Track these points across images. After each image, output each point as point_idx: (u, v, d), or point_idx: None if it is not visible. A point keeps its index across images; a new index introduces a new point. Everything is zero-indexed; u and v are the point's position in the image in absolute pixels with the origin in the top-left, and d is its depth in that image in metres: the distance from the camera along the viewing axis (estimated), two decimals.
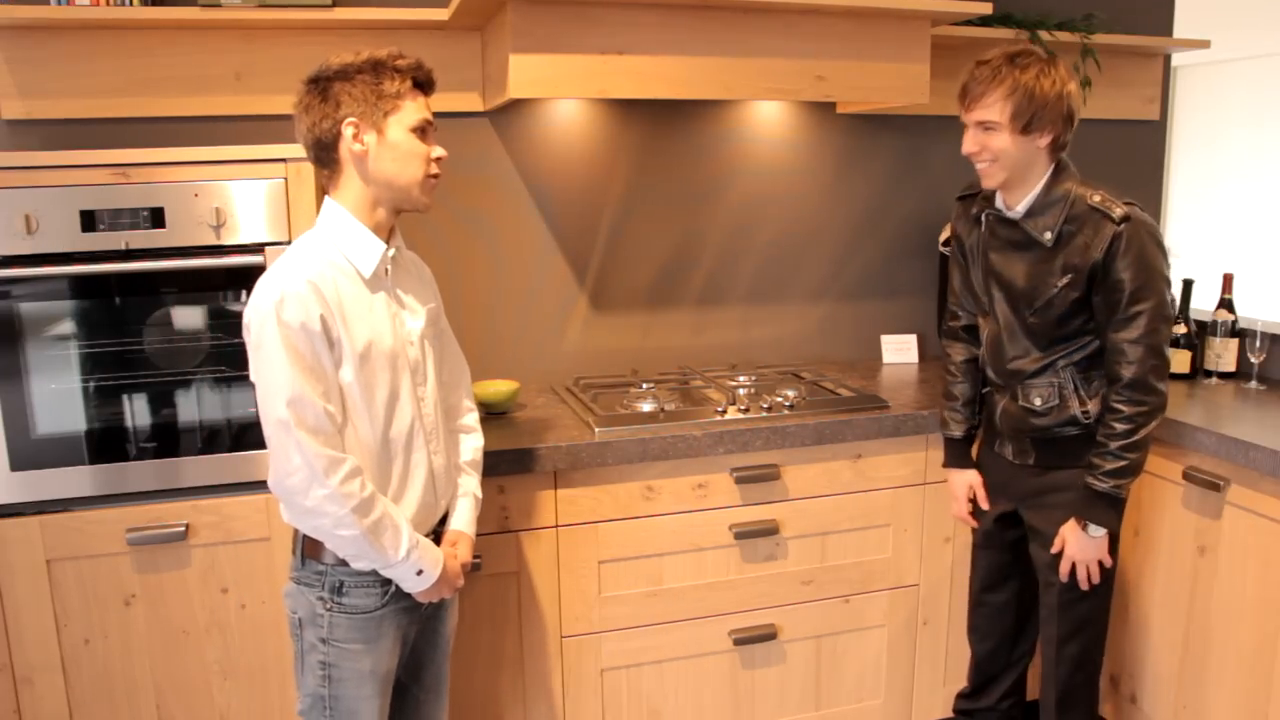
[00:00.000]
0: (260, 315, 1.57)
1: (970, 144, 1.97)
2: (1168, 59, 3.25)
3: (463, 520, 1.86)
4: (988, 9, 2.43)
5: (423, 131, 1.67)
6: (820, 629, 2.44)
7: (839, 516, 2.40)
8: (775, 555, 2.37)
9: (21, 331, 1.97)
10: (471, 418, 1.95)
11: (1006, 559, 2.26)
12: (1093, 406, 2.02)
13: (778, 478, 2.33)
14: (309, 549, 1.68)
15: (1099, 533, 2.01)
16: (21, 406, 1.98)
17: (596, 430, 2.23)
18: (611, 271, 2.79)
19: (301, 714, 1.73)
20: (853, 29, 2.38)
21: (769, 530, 2.33)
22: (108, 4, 2.22)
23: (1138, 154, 3.26)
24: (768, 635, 2.39)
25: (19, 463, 2.00)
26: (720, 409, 2.35)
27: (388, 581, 1.69)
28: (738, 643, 2.37)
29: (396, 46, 1.67)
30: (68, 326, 2.00)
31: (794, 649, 2.44)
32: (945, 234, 2.93)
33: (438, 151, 1.69)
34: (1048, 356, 2.03)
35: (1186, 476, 2.26)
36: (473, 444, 1.93)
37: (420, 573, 1.67)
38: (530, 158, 2.68)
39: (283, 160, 2.03)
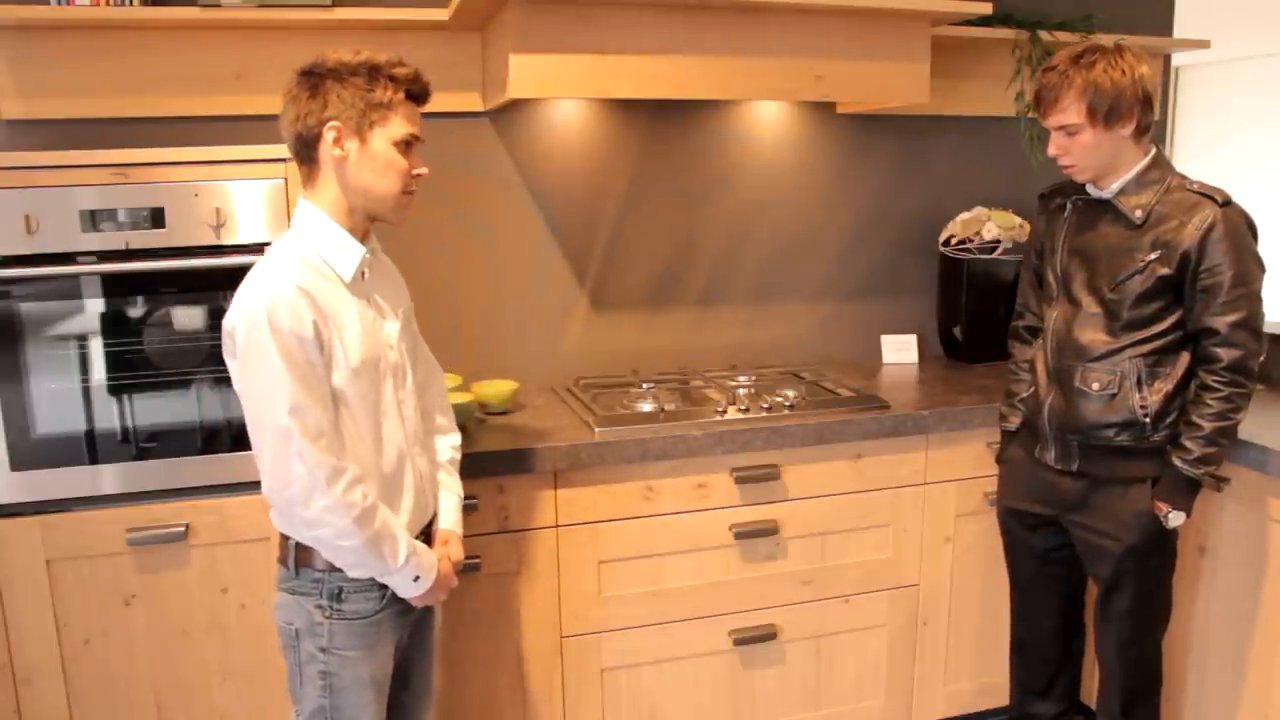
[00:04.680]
0: (250, 322, 1.53)
1: (1053, 148, 2.00)
2: (1168, 59, 3.25)
3: (451, 519, 1.85)
4: (988, 9, 2.43)
5: (407, 145, 1.63)
6: (820, 629, 2.44)
7: (839, 516, 2.40)
8: (775, 555, 2.37)
9: (21, 331, 1.97)
10: (447, 418, 1.93)
11: (1046, 566, 2.25)
12: (1153, 403, 1.99)
13: (778, 478, 2.33)
14: (302, 557, 1.64)
15: (1179, 520, 2.01)
16: (21, 406, 1.98)
17: (596, 430, 2.23)
18: (611, 271, 2.79)
19: None
20: (852, 29, 2.38)
21: (769, 530, 2.33)
22: (108, 4, 2.22)
23: None
24: (768, 635, 2.39)
25: (19, 463, 2.00)
26: (720, 409, 2.35)
27: (385, 585, 1.67)
28: (738, 643, 2.37)
29: (397, 53, 1.64)
30: (68, 326, 2.00)
31: (794, 649, 2.44)
32: (945, 234, 2.93)
33: (419, 169, 1.66)
34: (1117, 342, 2.01)
35: None
36: (450, 443, 1.91)
37: (417, 579, 1.67)
38: (530, 158, 2.68)
39: (283, 160, 2.03)
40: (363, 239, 1.67)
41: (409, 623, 1.78)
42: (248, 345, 1.54)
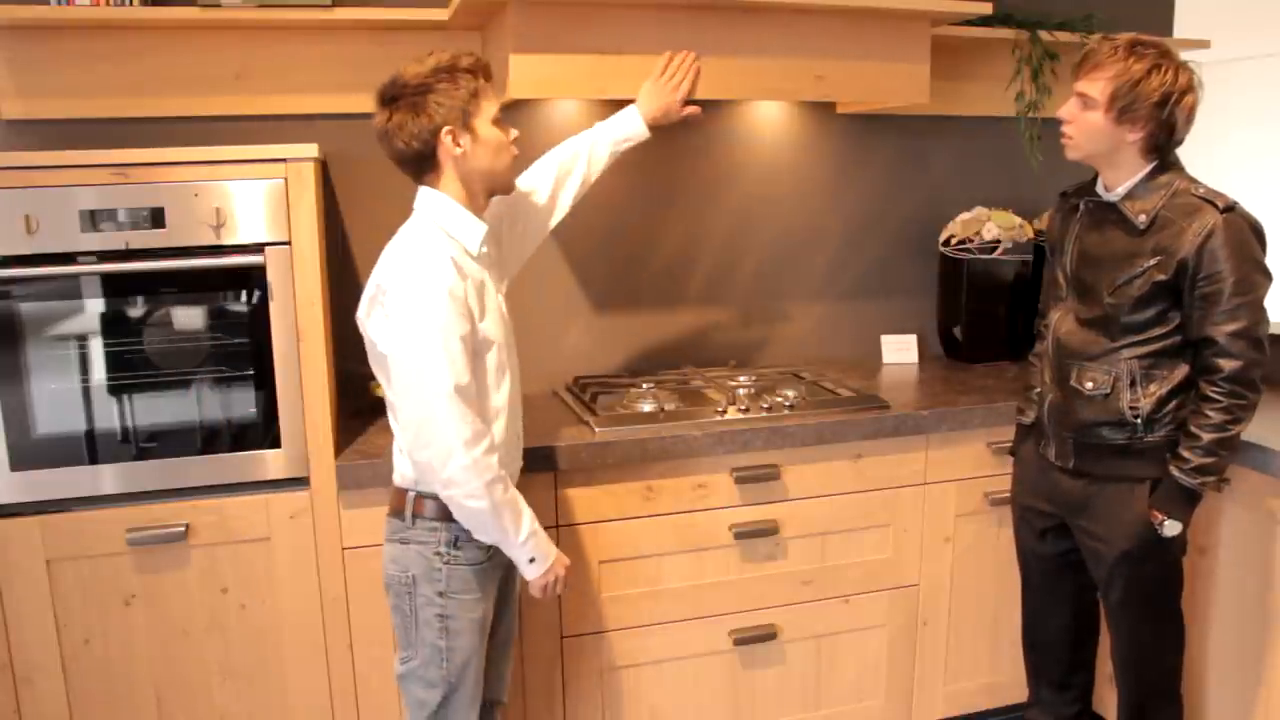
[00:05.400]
0: (413, 286, 1.66)
1: (1063, 110, 2.00)
2: None
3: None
4: (988, 9, 2.43)
5: (499, 120, 1.79)
6: (820, 629, 2.44)
7: (839, 516, 2.40)
8: (775, 555, 2.37)
9: (21, 331, 1.97)
10: None
11: (1055, 570, 2.25)
12: (1144, 405, 1.97)
13: (778, 478, 2.33)
14: (418, 508, 1.77)
15: (1175, 529, 1.97)
16: (21, 406, 1.98)
17: (596, 430, 2.23)
18: (611, 271, 2.79)
19: (406, 673, 1.82)
20: (853, 29, 2.37)
21: (769, 530, 2.33)
22: (108, 4, 2.22)
23: None
24: (768, 635, 2.39)
25: (19, 463, 2.00)
26: (720, 409, 2.35)
27: None
28: (738, 643, 2.37)
29: (457, 49, 1.78)
30: (68, 326, 2.00)
31: (794, 649, 2.44)
32: (945, 234, 2.93)
33: (513, 134, 1.83)
34: (1114, 344, 2.00)
35: None
36: None
37: (533, 560, 1.79)
38: (530, 158, 2.66)
39: (283, 160, 2.03)
40: (479, 214, 1.82)
41: (500, 574, 1.91)
42: (410, 307, 1.66)
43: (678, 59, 2.21)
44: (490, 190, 1.83)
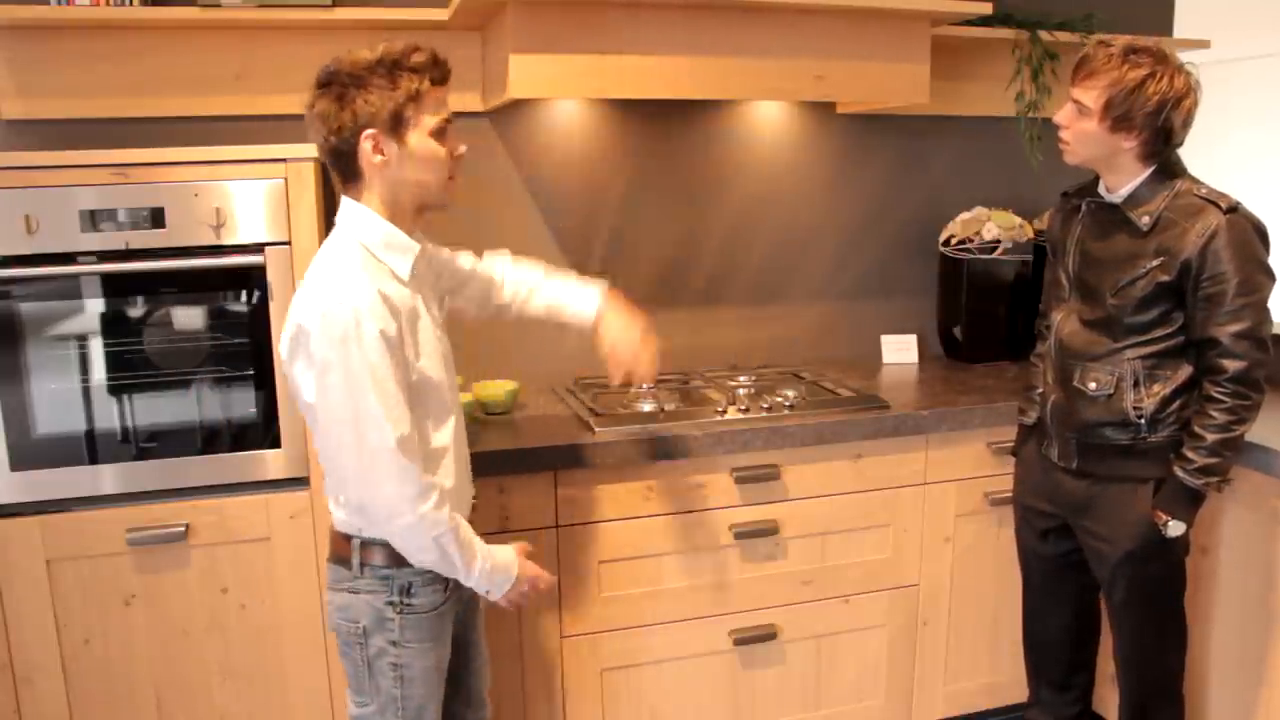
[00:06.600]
0: (335, 329, 1.49)
1: (1060, 116, 1.99)
2: None
3: (575, 293, 1.99)
4: (988, 9, 2.43)
5: (441, 132, 1.60)
6: (820, 629, 2.44)
7: (839, 516, 2.40)
8: (775, 555, 2.37)
9: (21, 331, 1.97)
10: (473, 258, 1.95)
11: (1056, 570, 2.25)
12: (1148, 405, 1.96)
13: (778, 478, 2.32)
14: (366, 556, 1.64)
15: (1179, 529, 1.97)
16: (21, 406, 1.98)
17: (596, 430, 2.23)
18: (612, 271, 2.78)
19: (360, 717, 1.71)
20: (853, 29, 2.37)
21: (769, 530, 2.33)
22: (108, 4, 2.22)
23: None
24: (768, 635, 2.39)
25: (19, 463, 2.00)
26: (720, 409, 2.35)
27: (448, 579, 1.69)
28: (738, 643, 2.37)
29: (410, 40, 1.58)
30: (68, 326, 2.00)
31: (794, 649, 2.44)
32: (945, 234, 2.93)
33: (459, 150, 1.65)
34: (1118, 344, 1.99)
35: None
36: (500, 257, 1.99)
37: (487, 591, 1.70)
38: (530, 158, 2.67)
39: (283, 160, 2.03)
40: (410, 231, 1.65)
41: (463, 604, 1.83)
42: (337, 356, 1.50)
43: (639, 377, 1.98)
44: (421, 204, 1.64)
